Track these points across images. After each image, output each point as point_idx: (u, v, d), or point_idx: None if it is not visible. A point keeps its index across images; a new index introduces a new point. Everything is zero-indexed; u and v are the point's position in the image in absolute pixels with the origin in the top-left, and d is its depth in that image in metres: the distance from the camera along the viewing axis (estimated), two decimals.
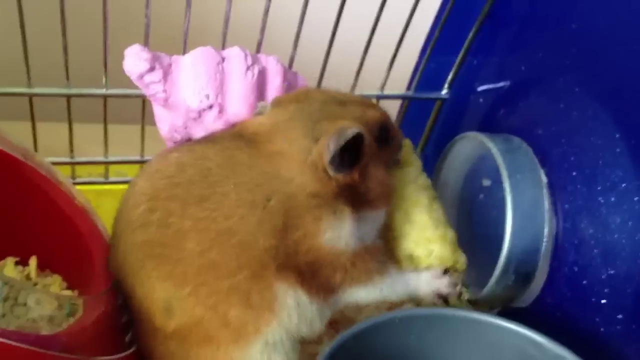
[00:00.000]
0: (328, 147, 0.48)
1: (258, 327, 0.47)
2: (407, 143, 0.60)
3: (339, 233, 0.49)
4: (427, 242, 0.56)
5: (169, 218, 0.47)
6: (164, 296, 0.47)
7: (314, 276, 0.49)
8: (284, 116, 0.52)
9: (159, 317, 0.47)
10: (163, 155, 0.51)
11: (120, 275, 0.49)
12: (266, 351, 0.48)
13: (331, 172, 0.48)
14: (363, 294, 0.52)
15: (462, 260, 0.57)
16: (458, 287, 0.56)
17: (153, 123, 0.59)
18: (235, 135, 0.52)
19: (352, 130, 0.48)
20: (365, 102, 0.56)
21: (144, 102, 0.63)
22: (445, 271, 0.56)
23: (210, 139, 0.53)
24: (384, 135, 0.53)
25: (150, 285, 0.47)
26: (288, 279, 0.48)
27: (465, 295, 0.57)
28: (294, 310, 0.48)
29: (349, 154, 0.49)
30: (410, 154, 0.59)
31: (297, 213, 0.48)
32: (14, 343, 0.38)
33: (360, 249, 0.51)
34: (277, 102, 0.54)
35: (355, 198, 0.50)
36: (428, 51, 0.67)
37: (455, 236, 0.57)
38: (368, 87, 0.68)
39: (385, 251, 0.54)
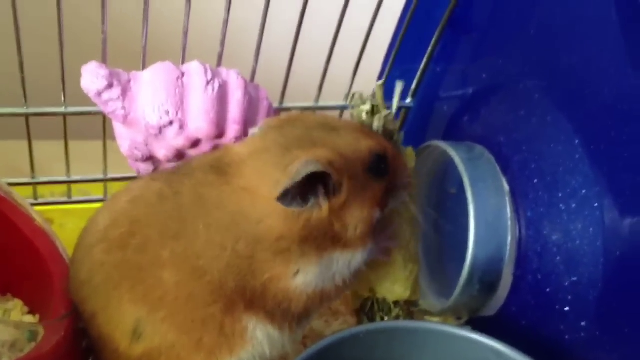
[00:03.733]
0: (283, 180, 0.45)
1: (232, 350, 0.47)
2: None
3: (306, 276, 0.48)
4: (392, 282, 0.56)
5: (147, 245, 0.47)
6: (135, 318, 0.46)
7: (284, 315, 0.49)
8: (260, 145, 0.49)
9: (125, 340, 0.47)
10: (146, 182, 0.51)
11: (80, 295, 0.49)
12: None
13: (286, 206, 0.45)
14: None
15: (417, 295, 0.58)
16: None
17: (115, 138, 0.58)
18: (211, 166, 0.49)
19: (315, 164, 0.45)
20: (363, 129, 0.52)
21: (105, 119, 0.63)
22: None
23: (186, 170, 0.50)
24: (378, 167, 0.50)
25: (119, 306, 0.47)
26: (257, 316, 0.48)
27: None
28: (265, 341, 0.49)
29: (320, 187, 0.46)
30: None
31: (264, 257, 0.47)
32: None
33: (331, 289, 0.50)
34: (264, 127, 0.51)
35: (328, 237, 0.48)
36: (391, 61, 0.67)
37: (419, 271, 0.58)
38: (333, 97, 0.68)
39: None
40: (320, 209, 0.46)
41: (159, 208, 0.48)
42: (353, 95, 0.59)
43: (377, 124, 0.57)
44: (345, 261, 0.49)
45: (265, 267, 0.47)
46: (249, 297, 0.47)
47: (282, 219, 0.46)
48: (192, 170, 0.50)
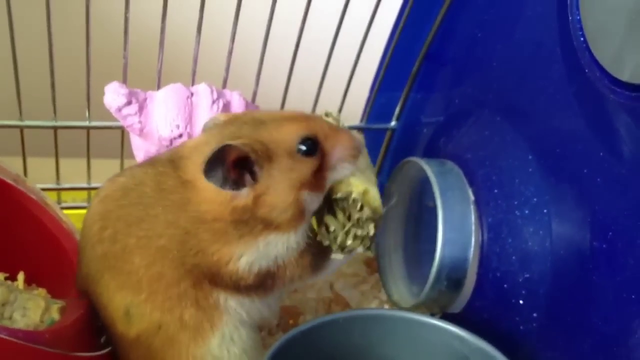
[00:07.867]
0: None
1: (213, 323, 0.52)
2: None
3: (248, 258, 0.52)
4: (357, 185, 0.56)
5: (117, 235, 0.52)
6: (123, 303, 0.51)
7: (245, 287, 0.53)
8: (202, 140, 0.54)
9: (120, 323, 0.52)
10: (112, 180, 0.55)
11: (84, 286, 0.54)
12: (224, 344, 0.53)
13: (214, 184, 0.49)
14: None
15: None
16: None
17: (130, 156, 0.66)
18: (169, 159, 0.54)
19: (230, 145, 0.48)
20: (291, 116, 0.53)
21: (123, 134, 0.70)
22: None
23: (150, 163, 0.56)
24: (305, 148, 0.52)
25: (109, 293, 0.52)
26: (224, 290, 0.53)
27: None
28: (239, 308, 0.53)
29: (247, 174, 0.50)
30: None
31: (207, 236, 0.51)
32: (4, 337, 0.44)
33: (276, 268, 0.54)
34: (210, 123, 0.56)
35: (258, 221, 0.51)
36: (375, 88, 0.75)
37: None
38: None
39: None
40: (245, 194, 0.51)
41: (124, 200, 0.52)
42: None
43: None
44: (281, 243, 0.53)
45: (211, 247, 0.51)
46: (208, 274, 0.51)
47: (215, 204, 0.51)
48: (154, 162, 0.55)
